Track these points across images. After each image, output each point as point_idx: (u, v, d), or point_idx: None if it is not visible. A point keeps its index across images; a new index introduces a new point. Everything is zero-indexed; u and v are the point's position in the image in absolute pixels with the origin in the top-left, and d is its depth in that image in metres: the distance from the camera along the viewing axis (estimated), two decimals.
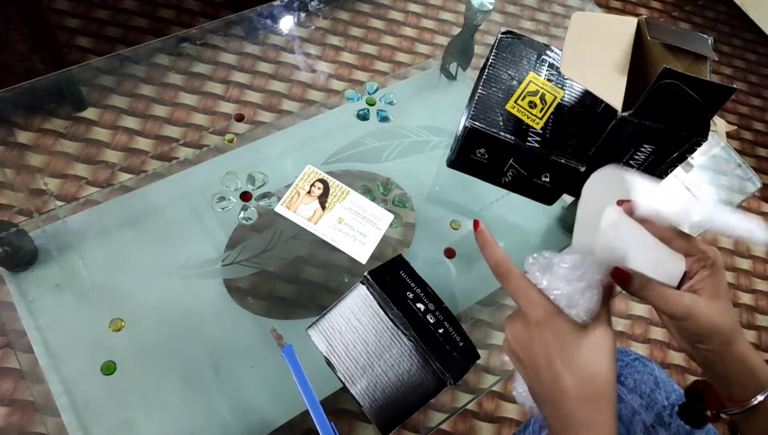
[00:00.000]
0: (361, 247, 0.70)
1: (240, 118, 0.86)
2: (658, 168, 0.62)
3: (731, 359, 0.43)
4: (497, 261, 0.43)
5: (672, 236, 0.44)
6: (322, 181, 0.74)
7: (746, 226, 0.42)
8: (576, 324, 0.40)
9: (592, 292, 0.41)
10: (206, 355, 0.66)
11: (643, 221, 0.43)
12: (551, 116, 0.66)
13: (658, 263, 0.44)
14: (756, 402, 0.43)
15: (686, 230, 0.44)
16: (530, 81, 0.69)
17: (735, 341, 0.43)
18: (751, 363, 0.43)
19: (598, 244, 0.44)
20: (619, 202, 0.44)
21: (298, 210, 0.72)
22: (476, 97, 0.66)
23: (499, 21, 1.09)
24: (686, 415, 0.51)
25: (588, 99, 0.68)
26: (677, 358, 1.27)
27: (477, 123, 0.64)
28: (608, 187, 0.45)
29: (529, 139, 0.64)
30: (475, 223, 0.46)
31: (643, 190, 0.42)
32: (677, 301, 0.42)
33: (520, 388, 0.44)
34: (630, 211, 0.43)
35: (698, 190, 0.91)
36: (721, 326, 0.42)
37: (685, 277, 0.44)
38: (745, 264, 1.43)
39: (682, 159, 0.60)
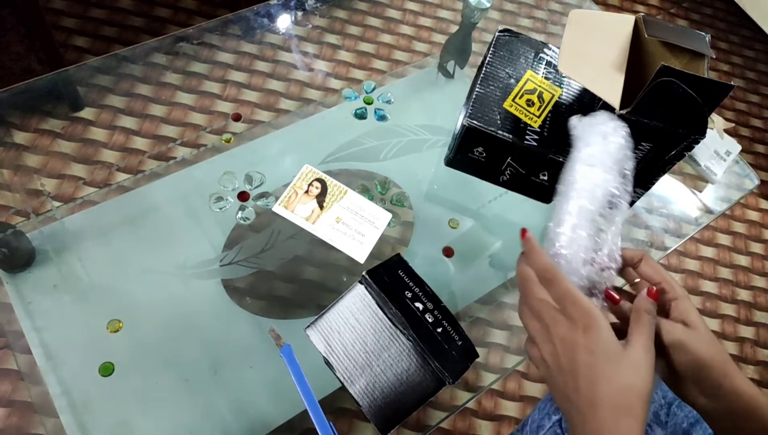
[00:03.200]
0: (359, 247, 0.70)
1: (237, 117, 0.86)
2: (656, 166, 0.62)
3: (730, 395, 0.42)
4: (544, 267, 0.44)
5: (642, 261, 0.46)
6: (319, 180, 0.74)
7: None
8: (617, 339, 0.40)
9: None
10: (204, 355, 0.66)
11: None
12: (549, 114, 0.66)
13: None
14: None
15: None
16: (528, 79, 0.68)
17: (731, 375, 0.42)
18: (752, 398, 0.42)
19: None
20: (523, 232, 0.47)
21: (296, 210, 0.71)
22: (474, 96, 0.66)
23: (497, 19, 1.09)
24: None
25: (586, 97, 0.68)
26: None
27: (475, 121, 0.64)
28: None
29: (527, 137, 0.64)
30: (523, 232, 0.47)
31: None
32: (672, 329, 0.42)
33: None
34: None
35: (696, 188, 0.91)
36: (714, 356, 0.42)
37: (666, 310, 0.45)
38: (743, 260, 1.43)
39: (680, 157, 0.60)
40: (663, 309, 0.45)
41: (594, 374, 0.39)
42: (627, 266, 0.48)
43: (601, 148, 0.48)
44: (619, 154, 0.48)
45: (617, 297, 0.46)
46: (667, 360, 0.43)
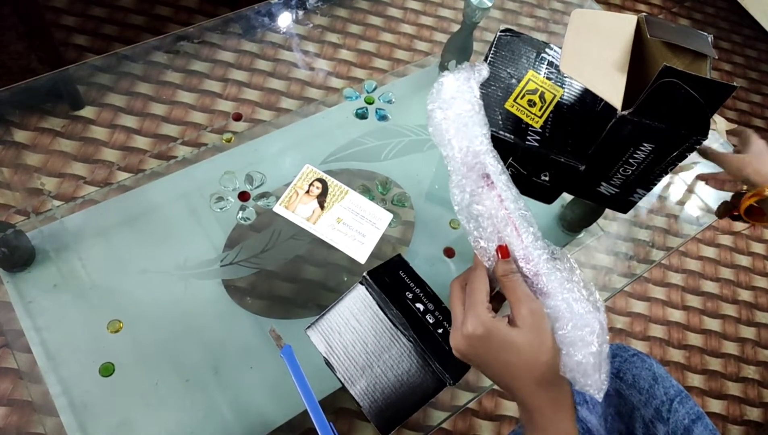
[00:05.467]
0: (360, 247, 0.70)
1: (238, 117, 0.86)
2: (657, 166, 0.62)
3: None
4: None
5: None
6: (320, 180, 0.74)
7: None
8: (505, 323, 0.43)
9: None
10: (205, 355, 0.65)
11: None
12: (551, 115, 0.66)
13: None
14: None
15: None
16: (529, 79, 0.68)
17: None
18: None
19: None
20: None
21: (297, 210, 0.71)
22: None
23: (498, 18, 1.09)
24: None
25: (587, 97, 0.68)
26: (676, 355, 1.27)
27: None
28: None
29: (528, 137, 0.64)
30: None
31: None
32: (730, 161, 0.64)
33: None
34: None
35: (698, 188, 0.91)
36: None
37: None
38: (744, 261, 1.43)
39: (681, 158, 0.60)
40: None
41: (500, 367, 0.43)
42: None
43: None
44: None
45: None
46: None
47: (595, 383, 0.42)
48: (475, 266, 0.47)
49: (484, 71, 0.52)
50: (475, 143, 0.48)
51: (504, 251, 0.46)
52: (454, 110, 0.49)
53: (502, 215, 0.46)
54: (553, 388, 0.42)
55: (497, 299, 0.48)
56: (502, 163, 0.48)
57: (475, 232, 0.47)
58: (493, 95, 0.66)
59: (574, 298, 0.44)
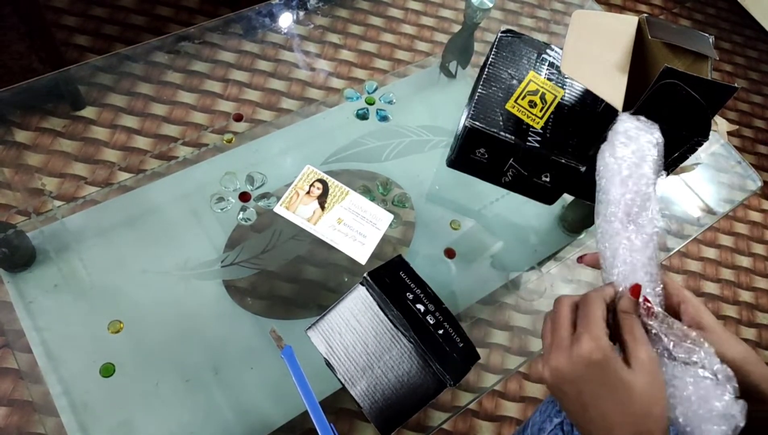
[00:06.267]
0: (360, 248, 0.70)
1: (239, 117, 0.86)
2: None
3: (748, 392, 0.40)
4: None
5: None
6: (321, 181, 0.74)
7: None
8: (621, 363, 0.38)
9: None
10: (205, 356, 0.65)
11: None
12: (551, 116, 0.66)
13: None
14: None
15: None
16: (530, 80, 0.68)
17: (749, 374, 0.40)
18: None
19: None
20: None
21: (298, 210, 0.71)
22: (476, 97, 0.65)
23: (499, 19, 1.09)
24: None
25: (588, 98, 0.68)
26: None
27: (477, 123, 0.64)
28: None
29: (529, 138, 0.64)
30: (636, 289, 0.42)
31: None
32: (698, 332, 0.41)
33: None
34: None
35: (699, 189, 0.91)
36: (735, 357, 0.40)
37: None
38: (745, 262, 1.43)
39: (682, 159, 0.60)
40: (675, 315, 0.43)
41: (605, 406, 0.37)
42: None
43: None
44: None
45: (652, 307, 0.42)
46: None
47: None
48: (597, 290, 0.42)
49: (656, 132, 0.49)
50: (641, 183, 0.46)
51: (636, 291, 0.41)
52: (631, 148, 0.47)
53: (643, 262, 0.44)
54: None
55: None
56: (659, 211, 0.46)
57: (614, 266, 0.44)
58: (493, 96, 0.66)
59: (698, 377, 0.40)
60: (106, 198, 0.74)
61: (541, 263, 0.77)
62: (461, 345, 0.56)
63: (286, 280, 0.72)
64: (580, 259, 0.48)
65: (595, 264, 0.47)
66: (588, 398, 0.37)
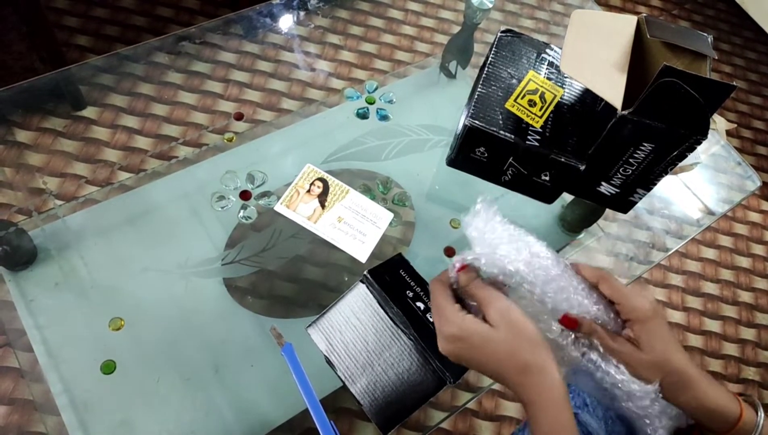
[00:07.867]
0: (360, 246, 0.70)
1: (239, 117, 0.86)
2: (657, 166, 0.62)
3: (689, 407, 0.45)
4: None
5: (599, 283, 0.49)
6: (321, 179, 0.74)
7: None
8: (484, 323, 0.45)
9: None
10: (206, 354, 0.66)
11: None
12: (551, 115, 0.66)
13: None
14: None
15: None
16: (530, 79, 0.68)
17: (685, 390, 0.45)
18: (710, 406, 0.45)
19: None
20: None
21: (298, 209, 0.72)
22: (476, 96, 0.66)
23: (499, 19, 1.09)
24: None
25: (588, 97, 0.68)
26: None
27: (477, 122, 0.64)
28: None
29: (528, 137, 0.64)
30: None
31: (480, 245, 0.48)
32: (619, 349, 0.46)
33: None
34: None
35: (698, 189, 0.91)
36: (662, 379, 0.45)
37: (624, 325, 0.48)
38: (744, 262, 1.43)
39: (681, 157, 0.60)
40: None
41: (487, 363, 0.45)
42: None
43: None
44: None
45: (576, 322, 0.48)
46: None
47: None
48: (435, 280, 0.50)
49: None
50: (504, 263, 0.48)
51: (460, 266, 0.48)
52: (480, 247, 0.49)
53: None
54: (541, 377, 0.43)
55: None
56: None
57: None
58: (493, 95, 0.66)
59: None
60: (106, 197, 0.74)
61: None
62: None
63: (286, 278, 0.72)
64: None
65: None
66: (476, 364, 0.45)
